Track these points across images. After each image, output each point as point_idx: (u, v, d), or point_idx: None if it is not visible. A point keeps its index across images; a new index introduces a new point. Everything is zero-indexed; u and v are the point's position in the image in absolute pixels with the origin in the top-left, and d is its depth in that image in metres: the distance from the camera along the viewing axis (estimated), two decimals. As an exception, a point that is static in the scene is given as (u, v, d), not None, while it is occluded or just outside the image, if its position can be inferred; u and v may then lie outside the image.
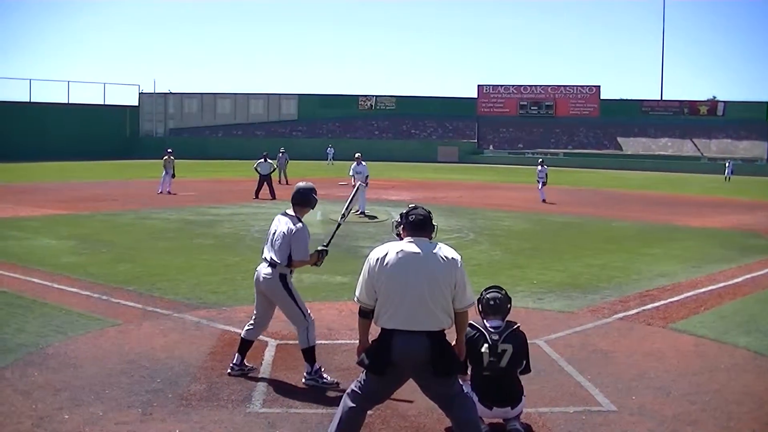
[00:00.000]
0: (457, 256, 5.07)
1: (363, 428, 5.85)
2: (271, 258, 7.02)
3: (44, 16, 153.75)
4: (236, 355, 7.29)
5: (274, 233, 7.08)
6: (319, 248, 7.08)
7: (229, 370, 7.24)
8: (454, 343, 5.19)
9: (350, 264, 9.85)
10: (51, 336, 8.45)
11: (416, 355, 4.93)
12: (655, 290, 11.86)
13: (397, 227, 5.34)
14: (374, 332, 5.20)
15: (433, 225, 5.26)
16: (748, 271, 13.96)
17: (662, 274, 13.41)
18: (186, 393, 6.71)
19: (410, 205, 5.36)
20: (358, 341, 5.31)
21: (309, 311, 7.15)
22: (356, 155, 25.41)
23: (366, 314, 5.16)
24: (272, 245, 7.05)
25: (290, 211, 7.15)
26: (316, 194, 7.27)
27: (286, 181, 33.36)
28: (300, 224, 7.00)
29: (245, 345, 7.31)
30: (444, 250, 5.06)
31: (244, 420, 6.14)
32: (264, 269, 7.10)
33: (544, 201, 29.58)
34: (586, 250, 16.40)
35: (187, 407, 6.37)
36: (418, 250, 5.02)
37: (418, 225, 5.14)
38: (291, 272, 7.12)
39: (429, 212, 5.25)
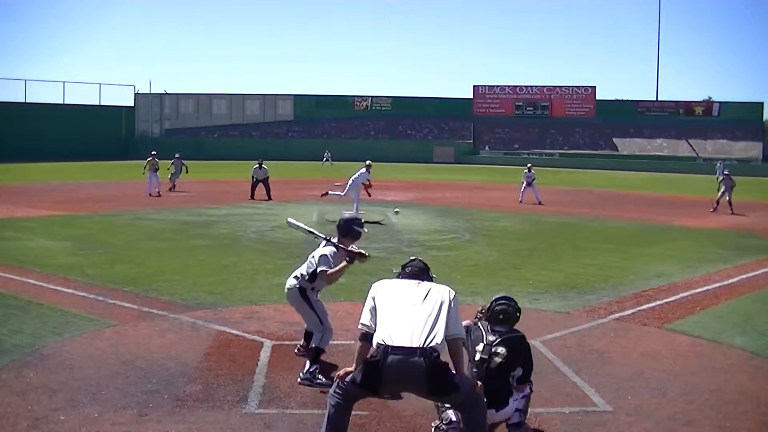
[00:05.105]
0: (452, 290, 5.38)
1: (359, 429, 5.87)
2: (299, 272, 7.46)
3: (40, 17, 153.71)
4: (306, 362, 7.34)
5: (312, 253, 7.46)
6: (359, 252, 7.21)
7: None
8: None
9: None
10: (47, 337, 8.44)
11: (410, 373, 4.92)
12: (651, 290, 11.87)
13: (397, 277, 5.67)
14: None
15: (431, 276, 5.66)
16: (743, 271, 13.99)
17: (658, 274, 13.43)
18: (182, 394, 6.70)
19: (410, 258, 5.87)
20: (354, 361, 5.26)
21: (328, 320, 7.50)
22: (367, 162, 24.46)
23: (366, 338, 5.22)
24: (305, 263, 7.47)
25: (336, 240, 7.39)
26: (358, 225, 7.46)
27: (173, 187, 31.65)
28: (327, 246, 7.28)
29: (307, 336, 7.63)
30: (439, 284, 5.47)
31: (240, 421, 6.14)
32: (290, 280, 7.53)
33: (521, 202, 29.15)
34: (582, 251, 16.42)
35: (183, 408, 6.36)
36: (416, 279, 5.50)
37: (414, 275, 5.57)
38: (313, 289, 7.44)
39: (426, 264, 5.73)
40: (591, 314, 10.19)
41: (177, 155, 33.00)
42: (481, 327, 5.89)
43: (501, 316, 5.94)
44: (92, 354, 7.85)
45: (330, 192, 23.19)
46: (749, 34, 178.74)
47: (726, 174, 28.02)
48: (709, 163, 66.57)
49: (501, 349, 5.73)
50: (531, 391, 5.96)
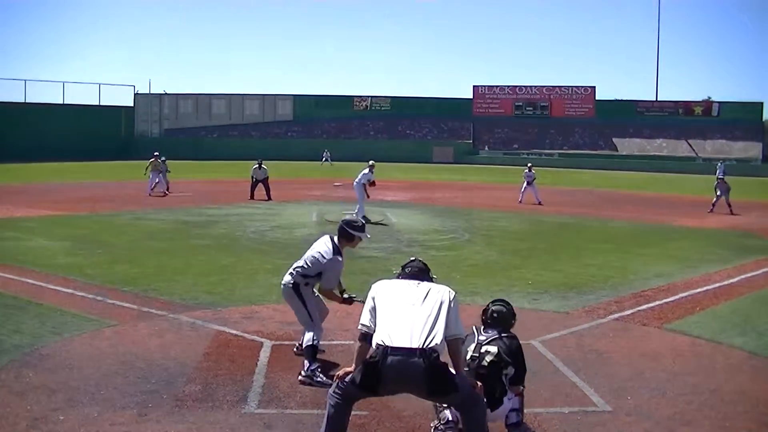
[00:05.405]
0: (452, 290, 5.37)
1: (359, 429, 5.87)
2: (295, 268, 7.52)
3: (39, 17, 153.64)
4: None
5: (311, 249, 7.56)
6: (351, 296, 7.58)
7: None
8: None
9: (346, 265, 9.80)
10: (46, 337, 8.44)
11: (409, 374, 4.92)
12: (651, 290, 11.87)
13: (397, 277, 5.67)
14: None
15: (431, 277, 5.66)
16: (743, 271, 13.99)
17: (658, 274, 13.42)
18: (181, 394, 6.70)
19: (410, 258, 5.89)
20: (353, 361, 5.27)
21: (319, 318, 7.59)
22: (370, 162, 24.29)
23: (366, 338, 5.23)
24: (304, 258, 7.53)
25: (336, 239, 7.49)
26: (354, 230, 7.49)
27: (167, 188, 31.58)
28: (334, 256, 7.34)
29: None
30: (439, 285, 5.47)
31: (239, 421, 6.14)
32: (285, 276, 7.61)
33: (521, 202, 29.02)
34: (581, 251, 16.42)
35: (183, 408, 6.36)
36: (416, 280, 5.50)
37: (414, 275, 5.57)
38: (307, 285, 7.52)
39: (425, 264, 5.73)
40: (590, 314, 10.19)
41: (162, 159, 32.90)
42: (474, 329, 5.89)
43: (495, 316, 5.94)
44: (91, 354, 7.85)
45: (360, 215, 21.05)
46: (748, 34, 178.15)
47: (720, 178, 28.13)
48: (709, 163, 66.52)
49: (492, 348, 5.72)
50: (523, 387, 5.95)
